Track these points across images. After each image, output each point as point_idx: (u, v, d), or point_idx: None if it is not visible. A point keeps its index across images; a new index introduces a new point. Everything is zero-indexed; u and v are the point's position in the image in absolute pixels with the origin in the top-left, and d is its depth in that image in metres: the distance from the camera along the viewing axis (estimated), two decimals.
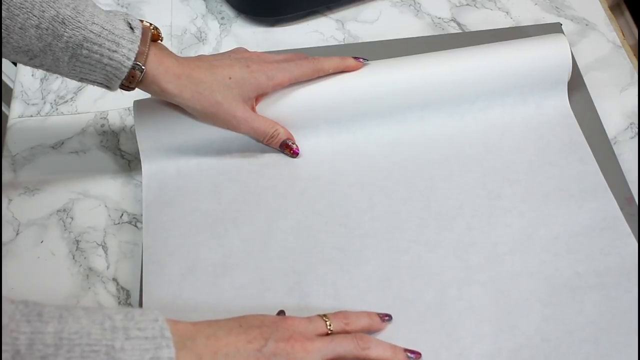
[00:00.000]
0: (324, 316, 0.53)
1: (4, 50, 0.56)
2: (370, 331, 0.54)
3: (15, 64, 0.93)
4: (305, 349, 0.49)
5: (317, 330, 0.52)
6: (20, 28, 0.54)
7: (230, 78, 0.62)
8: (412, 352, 0.54)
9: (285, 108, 0.65)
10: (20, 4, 0.54)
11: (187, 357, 0.45)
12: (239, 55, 0.65)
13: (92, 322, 0.43)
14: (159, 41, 0.62)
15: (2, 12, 0.53)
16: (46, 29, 0.55)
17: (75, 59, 0.57)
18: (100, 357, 0.42)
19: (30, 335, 0.40)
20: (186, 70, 0.61)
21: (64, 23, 0.55)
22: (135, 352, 0.43)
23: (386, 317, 0.55)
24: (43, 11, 0.54)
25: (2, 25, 0.54)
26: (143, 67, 0.58)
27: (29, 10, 0.54)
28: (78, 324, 0.42)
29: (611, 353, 0.53)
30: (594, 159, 0.64)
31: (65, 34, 0.55)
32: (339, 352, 0.50)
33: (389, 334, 0.55)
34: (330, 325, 0.52)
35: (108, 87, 0.60)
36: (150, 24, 0.61)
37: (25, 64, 0.58)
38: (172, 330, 0.45)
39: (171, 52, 0.62)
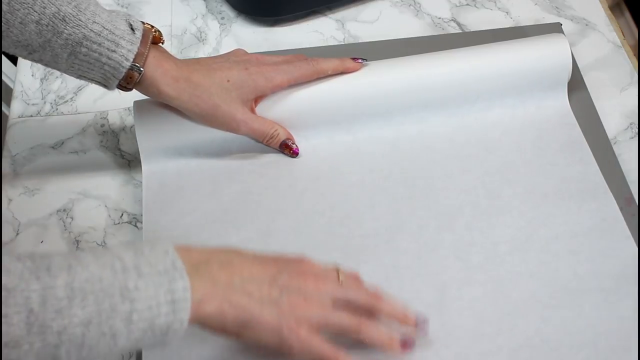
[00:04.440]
0: (337, 269, 0.52)
1: (3, 43, 0.56)
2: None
3: (15, 63, 0.93)
4: (317, 287, 0.49)
5: (329, 278, 0.51)
6: (20, 23, 0.54)
7: (228, 81, 0.62)
8: (422, 320, 0.53)
9: (285, 109, 0.65)
10: None
11: (201, 283, 0.45)
12: (237, 57, 0.65)
13: (101, 266, 0.42)
14: (160, 44, 0.62)
15: (3, 6, 0.53)
16: (46, 25, 0.55)
17: (74, 57, 0.57)
18: (115, 300, 0.42)
19: (42, 291, 0.40)
20: (185, 73, 0.61)
21: (65, 20, 0.55)
22: (149, 289, 0.43)
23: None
24: (44, 7, 0.54)
25: (3, 19, 0.54)
26: (141, 69, 0.58)
27: (30, 6, 0.54)
28: (88, 272, 0.42)
29: (610, 356, 0.53)
30: (594, 159, 0.64)
31: (66, 31, 0.55)
32: (349, 297, 0.51)
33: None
34: (342, 279, 0.52)
35: (106, 86, 0.60)
36: (152, 27, 0.61)
37: (24, 57, 0.58)
38: (184, 259, 0.45)
39: (171, 55, 0.62)
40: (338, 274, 0.52)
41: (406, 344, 0.52)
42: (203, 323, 0.46)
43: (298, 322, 0.48)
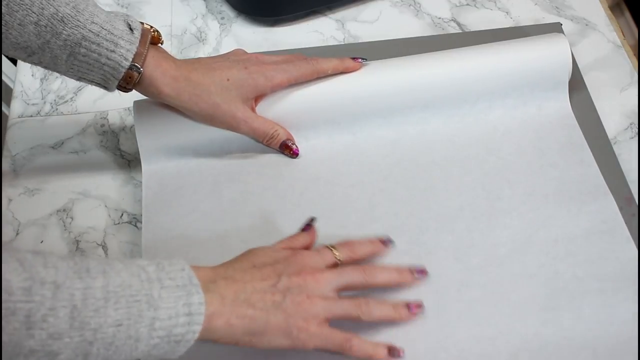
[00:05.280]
0: (331, 247, 0.55)
1: (2, 46, 0.56)
2: (375, 255, 0.58)
3: (15, 63, 0.93)
4: (316, 280, 0.52)
5: (326, 262, 0.54)
6: (19, 24, 0.54)
7: (228, 80, 0.62)
8: (419, 271, 0.57)
9: (285, 109, 0.65)
10: (20, 0, 0.54)
11: (213, 298, 0.48)
12: (237, 57, 0.65)
13: (131, 275, 0.45)
14: (159, 44, 0.62)
15: (2, 7, 0.53)
16: (45, 27, 0.55)
17: (74, 58, 0.57)
18: (142, 306, 0.45)
19: (84, 290, 0.43)
20: (184, 72, 0.61)
21: (63, 21, 0.55)
22: (170, 300, 0.46)
23: (389, 242, 0.58)
24: (42, 8, 0.54)
25: (2, 21, 0.54)
26: (140, 69, 0.59)
27: (28, 7, 0.54)
28: (120, 278, 0.45)
29: (610, 359, 0.53)
30: (594, 161, 0.64)
31: (64, 32, 0.55)
32: (348, 282, 0.53)
33: (388, 335, 0.55)
34: (338, 256, 0.55)
35: (106, 88, 0.60)
36: (151, 27, 0.61)
37: (24, 60, 0.58)
38: (197, 276, 0.48)
39: (170, 55, 0.62)
40: (333, 251, 0.55)
41: (413, 308, 0.55)
42: (212, 336, 0.48)
43: (305, 320, 0.50)
